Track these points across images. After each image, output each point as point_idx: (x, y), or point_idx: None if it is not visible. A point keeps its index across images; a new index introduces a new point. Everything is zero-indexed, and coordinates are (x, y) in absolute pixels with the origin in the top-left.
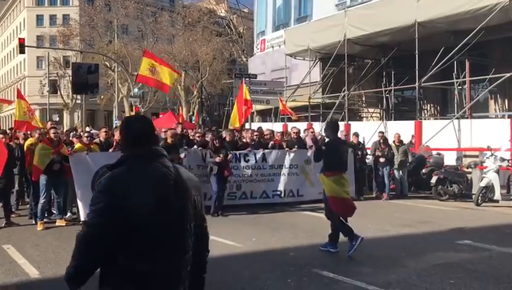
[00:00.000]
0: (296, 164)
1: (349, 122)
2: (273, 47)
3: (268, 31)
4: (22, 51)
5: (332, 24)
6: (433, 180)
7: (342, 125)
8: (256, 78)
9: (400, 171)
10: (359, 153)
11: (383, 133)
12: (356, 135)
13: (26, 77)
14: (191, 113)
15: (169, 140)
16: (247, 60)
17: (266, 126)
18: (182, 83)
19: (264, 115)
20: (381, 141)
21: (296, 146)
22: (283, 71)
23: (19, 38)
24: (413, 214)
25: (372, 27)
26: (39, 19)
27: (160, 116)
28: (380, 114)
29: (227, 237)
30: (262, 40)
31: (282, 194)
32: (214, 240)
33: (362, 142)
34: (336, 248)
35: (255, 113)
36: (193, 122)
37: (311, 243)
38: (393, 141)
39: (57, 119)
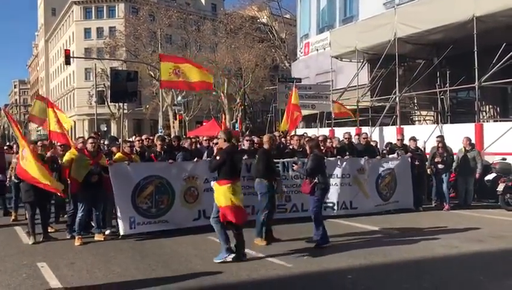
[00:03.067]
0: (348, 173)
1: (402, 126)
2: (317, 50)
3: (312, 33)
4: (67, 62)
5: (381, 23)
6: (500, 188)
7: (393, 129)
8: (300, 82)
9: (466, 179)
10: (416, 159)
11: (442, 137)
12: (414, 139)
13: (75, 88)
14: (234, 120)
15: None
16: (290, 65)
17: (311, 132)
18: (225, 91)
19: (309, 121)
20: (440, 145)
21: (347, 153)
22: (328, 74)
23: (65, 50)
24: (481, 226)
25: (424, 24)
26: (87, 32)
27: (204, 124)
28: (433, 117)
29: (275, 255)
30: (306, 44)
31: (336, 207)
32: (261, 259)
33: (420, 148)
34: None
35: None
36: (236, 129)
37: (370, 263)
38: (463, 147)
39: (105, 129)
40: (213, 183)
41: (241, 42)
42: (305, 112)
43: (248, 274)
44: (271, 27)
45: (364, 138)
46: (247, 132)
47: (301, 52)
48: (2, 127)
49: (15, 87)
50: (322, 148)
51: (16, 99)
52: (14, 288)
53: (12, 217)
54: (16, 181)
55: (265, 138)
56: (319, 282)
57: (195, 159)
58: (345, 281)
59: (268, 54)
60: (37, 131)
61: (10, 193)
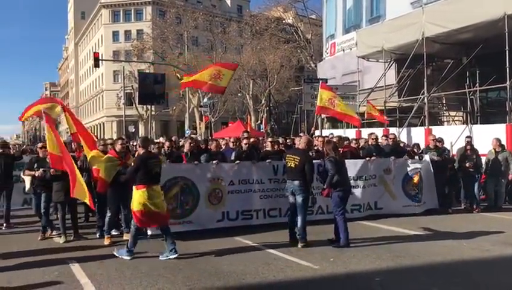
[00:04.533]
0: (374, 174)
1: (430, 126)
2: (343, 50)
3: (338, 34)
4: (96, 65)
5: (409, 23)
6: None
7: (421, 130)
8: (327, 82)
9: (496, 181)
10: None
11: (471, 138)
12: (440, 140)
13: (104, 90)
14: (259, 121)
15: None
16: (315, 66)
17: (337, 133)
18: (251, 92)
19: (335, 121)
20: (469, 147)
21: (374, 154)
22: (355, 75)
23: (94, 53)
24: None
25: (453, 23)
26: (115, 35)
27: (230, 125)
28: (463, 118)
29: (301, 257)
30: (332, 44)
31: (361, 209)
32: (287, 260)
33: (448, 149)
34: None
35: (325, 119)
36: (261, 130)
37: (399, 265)
38: (493, 148)
39: (133, 130)
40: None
41: (266, 43)
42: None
43: (274, 275)
44: (296, 28)
45: (391, 139)
46: (271, 133)
47: (327, 53)
48: (34, 128)
49: (46, 90)
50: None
51: None
52: (46, 285)
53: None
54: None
55: (302, 139)
56: (346, 284)
57: (215, 161)
58: (372, 284)
59: (294, 54)
60: (67, 132)
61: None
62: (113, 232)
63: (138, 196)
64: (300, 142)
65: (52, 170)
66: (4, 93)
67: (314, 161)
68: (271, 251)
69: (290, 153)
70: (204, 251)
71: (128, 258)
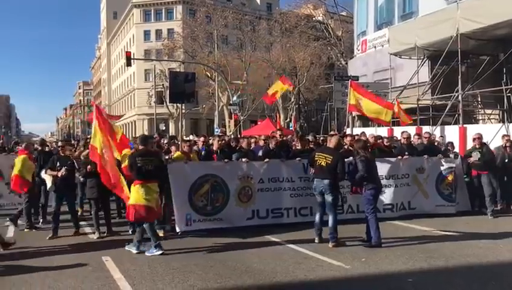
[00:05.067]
0: (407, 173)
1: (465, 125)
2: (375, 47)
3: (369, 30)
4: (128, 64)
5: (443, 19)
6: None
7: (455, 128)
8: (358, 80)
9: None
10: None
11: (509, 136)
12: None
13: (135, 89)
14: (288, 119)
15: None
16: (346, 63)
17: (369, 131)
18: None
19: (366, 119)
20: (508, 145)
21: (406, 153)
22: (387, 72)
23: (126, 52)
24: None
25: (489, 19)
26: (146, 34)
27: (259, 123)
28: (499, 116)
29: (332, 256)
30: (363, 41)
31: (394, 208)
32: (318, 259)
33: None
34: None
35: (355, 117)
36: (291, 128)
37: (432, 266)
38: None
39: (163, 128)
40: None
41: (296, 41)
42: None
43: (305, 274)
44: (327, 25)
45: (426, 137)
46: (301, 131)
47: (358, 50)
48: (67, 126)
49: (79, 88)
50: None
51: (80, 100)
52: (81, 279)
53: (79, 213)
54: (82, 179)
55: (333, 139)
56: (378, 285)
57: (245, 159)
58: (405, 285)
59: (324, 52)
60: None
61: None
62: (167, 228)
63: (133, 191)
64: (330, 141)
65: (88, 167)
66: (39, 92)
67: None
68: (301, 249)
69: (319, 152)
70: (234, 249)
71: (159, 252)
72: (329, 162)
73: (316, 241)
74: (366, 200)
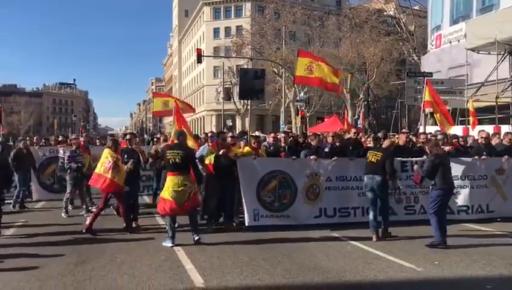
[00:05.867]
0: (485, 174)
1: None
2: (450, 42)
3: (444, 25)
4: (199, 61)
5: None
6: None
7: None
8: (432, 76)
9: None
10: None
11: None
12: None
13: (204, 85)
14: (356, 116)
15: None
16: (418, 59)
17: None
18: (348, 86)
19: None
20: None
21: (484, 153)
22: (463, 68)
23: (197, 49)
24: None
25: None
26: (216, 31)
27: (325, 120)
28: None
29: (403, 258)
30: (437, 36)
31: (470, 210)
32: (388, 260)
33: None
34: None
35: (428, 115)
36: (359, 126)
37: None
38: None
39: (231, 124)
40: None
41: (366, 36)
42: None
43: (375, 275)
44: (398, 19)
45: (510, 139)
46: (369, 129)
47: (432, 45)
48: (140, 120)
49: (152, 85)
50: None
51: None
52: (155, 268)
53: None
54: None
55: (386, 142)
56: (453, 288)
57: (313, 157)
58: None
59: (395, 47)
60: (170, 124)
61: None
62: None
63: (165, 183)
64: (385, 142)
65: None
66: (114, 88)
67: (418, 159)
68: (370, 249)
69: (372, 150)
70: (301, 245)
71: (169, 245)
72: (379, 158)
73: (374, 239)
74: (431, 199)
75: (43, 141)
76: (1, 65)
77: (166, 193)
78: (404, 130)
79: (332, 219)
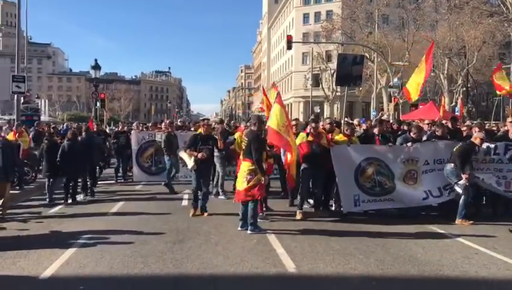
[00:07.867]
0: None
1: None
2: None
3: None
4: (289, 47)
5: None
6: None
7: None
8: None
9: None
10: None
11: None
12: None
13: (292, 72)
14: (453, 103)
15: None
16: None
17: None
18: (445, 71)
19: None
20: None
21: None
22: None
23: (287, 35)
24: None
25: None
26: (305, 17)
27: (420, 107)
28: None
29: (508, 255)
30: None
31: None
32: (491, 256)
33: None
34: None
35: None
36: (456, 113)
37: None
38: None
39: (318, 110)
40: None
41: (466, 18)
42: None
43: (476, 271)
44: None
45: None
46: (468, 116)
47: None
48: (230, 107)
49: (241, 72)
50: None
51: (242, 83)
52: (247, 250)
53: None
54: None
55: None
56: None
57: (409, 144)
58: None
59: (499, 29)
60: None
61: None
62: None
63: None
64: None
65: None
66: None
67: None
68: (470, 243)
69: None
70: (395, 236)
71: (254, 232)
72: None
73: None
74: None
75: (143, 125)
76: (104, 55)
77: (240, 177)
78: (510, 119)
79: (439, 198)
